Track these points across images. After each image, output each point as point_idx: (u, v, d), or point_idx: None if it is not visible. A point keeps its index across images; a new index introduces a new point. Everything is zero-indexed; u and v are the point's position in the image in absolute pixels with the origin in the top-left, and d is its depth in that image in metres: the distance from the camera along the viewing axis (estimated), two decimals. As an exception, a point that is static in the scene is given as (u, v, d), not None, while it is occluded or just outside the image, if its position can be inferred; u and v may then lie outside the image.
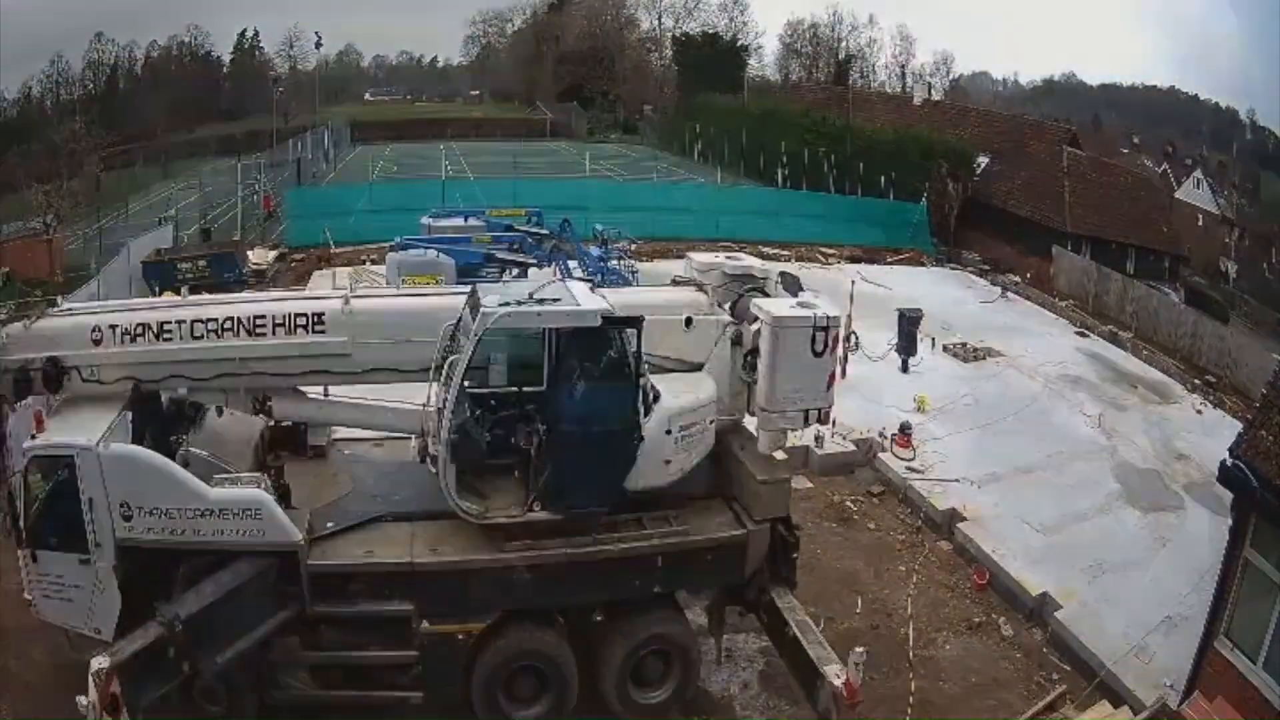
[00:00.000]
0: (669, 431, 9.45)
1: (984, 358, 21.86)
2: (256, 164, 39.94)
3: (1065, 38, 75.18)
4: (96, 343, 9.48)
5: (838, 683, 8.82)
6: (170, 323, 9.55)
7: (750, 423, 10.37)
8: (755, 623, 10.85)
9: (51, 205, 31.87)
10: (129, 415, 9.46)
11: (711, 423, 9.84)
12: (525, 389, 10.22)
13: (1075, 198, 32.45)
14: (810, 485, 15.48)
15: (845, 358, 19.50)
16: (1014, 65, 77.01)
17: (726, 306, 10.59)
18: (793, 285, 11.19)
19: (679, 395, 9.68)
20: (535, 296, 9.34)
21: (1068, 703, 10.91)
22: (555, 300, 9.35)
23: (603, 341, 9.24)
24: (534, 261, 21.06)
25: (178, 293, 20.75)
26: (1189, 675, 10.25)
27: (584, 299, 9.46)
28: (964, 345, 22.38)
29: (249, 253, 27.45)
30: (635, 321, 9.23)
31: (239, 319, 9.54)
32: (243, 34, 76.21)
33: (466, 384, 9.32)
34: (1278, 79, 49.86)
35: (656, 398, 9.57)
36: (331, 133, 52.00)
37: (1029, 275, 31.18)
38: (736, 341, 10.17)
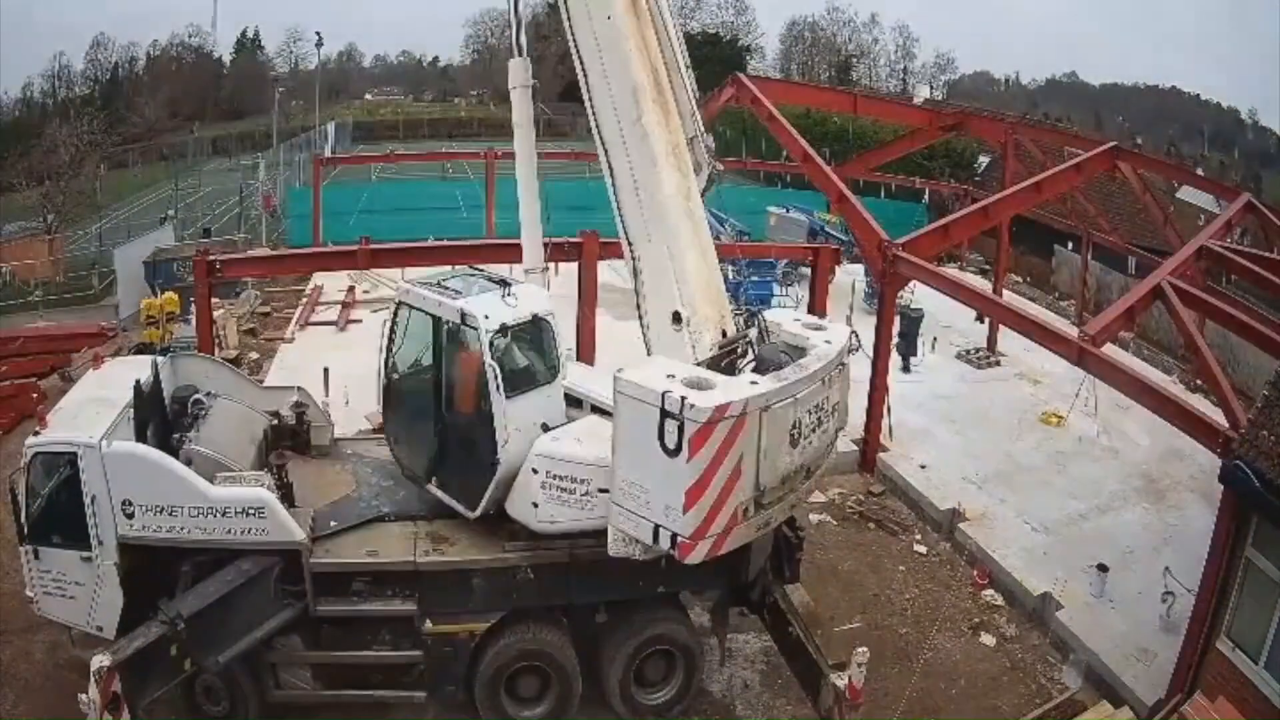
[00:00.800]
0: (535, 470, 9.01)
1: (997, 364, 21.82)
2: (257, 164, 39.90)
3: (1066, 38, 75.12)
4: None
5: (840, 684, 8.83)
6: None
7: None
8: (756, 622, 10.87)
9: (52, 205, 31.86)
10: (132, 413, 9.48)
11: (603, 492, 8.58)
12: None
13: (1076, 197, 32.37)
14: (823, 498, 15.48)
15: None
16: (1015, 65, 76.93)
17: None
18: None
19: (563, 441, 9.15)
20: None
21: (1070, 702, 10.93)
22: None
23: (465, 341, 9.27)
24: None
25: (179, 293, 20.80)
26: (1173, 674, 10.34)
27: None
28: (976, 351, 22.29)
29: (249, 252, 27.44)
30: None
31: None
32: (243, 34, 76.33)
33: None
34: (1278, 79, 49.91)
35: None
36: (332, 132, 51.92)
37: (1027, 277, 31.21)
38: None
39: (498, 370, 8.96)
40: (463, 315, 9.11)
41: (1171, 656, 10.52)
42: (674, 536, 7.84)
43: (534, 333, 9.63)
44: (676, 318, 8.97)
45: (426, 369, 9.86)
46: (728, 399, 7.64)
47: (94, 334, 18.56)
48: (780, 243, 24.50)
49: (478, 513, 9.42)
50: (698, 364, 8.68)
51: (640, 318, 9.43)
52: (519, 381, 9.32)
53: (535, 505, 9.07)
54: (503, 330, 9.17)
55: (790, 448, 8.32)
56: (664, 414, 7.62)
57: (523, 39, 11.16)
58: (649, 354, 9.19)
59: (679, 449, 7.58)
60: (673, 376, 7.95)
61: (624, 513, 8.14)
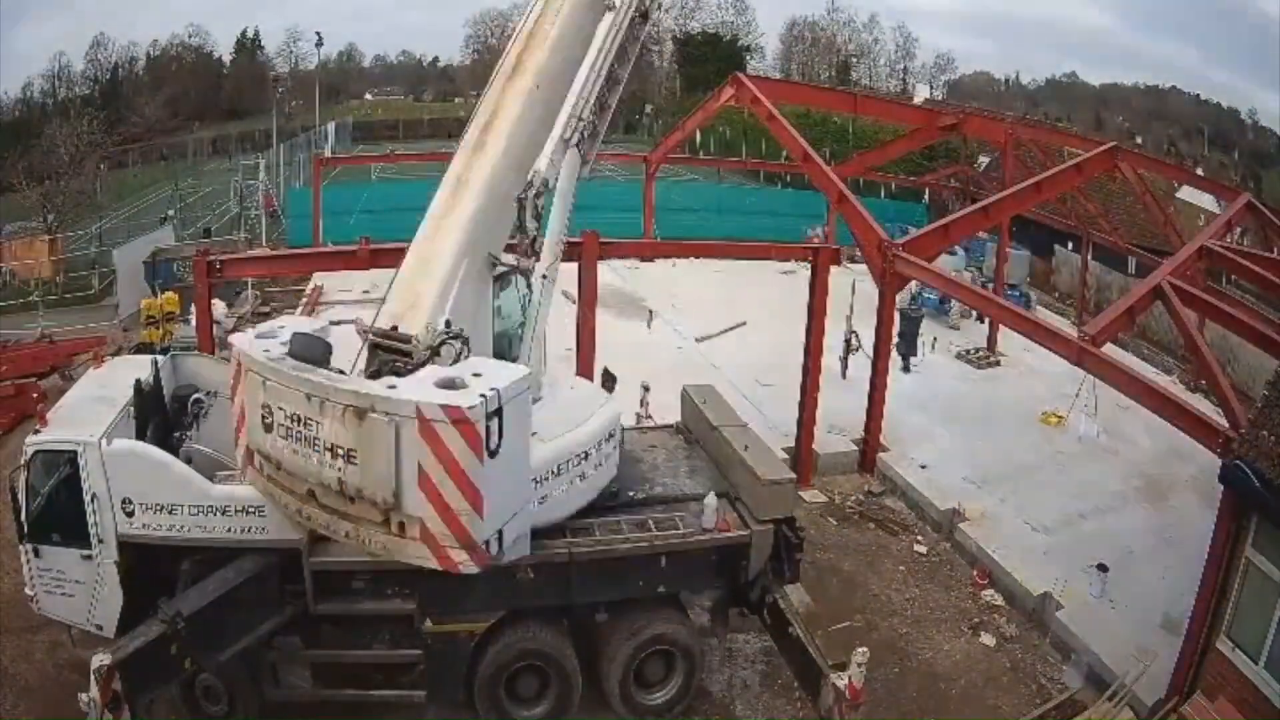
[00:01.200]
0: None
1: (997, 364, 21.86)
2: (257, 163, 39.94)
3: (1067, 37, 75.24)
4: None
5: (840, 684, 8.82)
6: None
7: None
8: (755, 622, 10.85)
9: (52, 205, 31.87)
10: (132, 411, 9.48)
11: None
12: None
13: (1076, 197, 32.40)
14: (824, 499, 15.54)
15: (846, 357, 19.59)
16: (1015, 65, 76.98)
17: None
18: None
19: None
20: None
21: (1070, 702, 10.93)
22: None
23: None
24: None
25: (179, 293, 20.81)
26: (1172, 674, 10.36)
27: None
28: (976, 351, 22.36)
29: (250, 251, 27.45)
30: None
31: None
32: (243, 34, 76.36)
33: None
34: (1278, 79, 49.94)
35: None
36: (333, 132, 51.92)
37: (1028, 277, 31.15)
38: None
39: None
40: None
41: (1171, 656, 10.52)
42: None
43: None
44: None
45: None
46: (230, 337, 9.19)
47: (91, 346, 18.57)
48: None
49: None
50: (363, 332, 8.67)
51: None
52: None
53: None
54: None
55: (263, 429, 8.28)
56: None
57: None
58: None
59: None
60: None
61: None
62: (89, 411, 9.32)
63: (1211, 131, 57.62)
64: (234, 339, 8.90)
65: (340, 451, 7.76)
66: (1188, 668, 10.15)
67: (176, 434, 9.89)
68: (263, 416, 8.23)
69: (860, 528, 14.77)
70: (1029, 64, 74.72)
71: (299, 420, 7.93)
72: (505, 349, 9.88)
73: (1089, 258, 26.92)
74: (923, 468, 16.13)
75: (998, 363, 21.94)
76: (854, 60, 76.16)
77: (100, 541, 8.91)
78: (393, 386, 7.76)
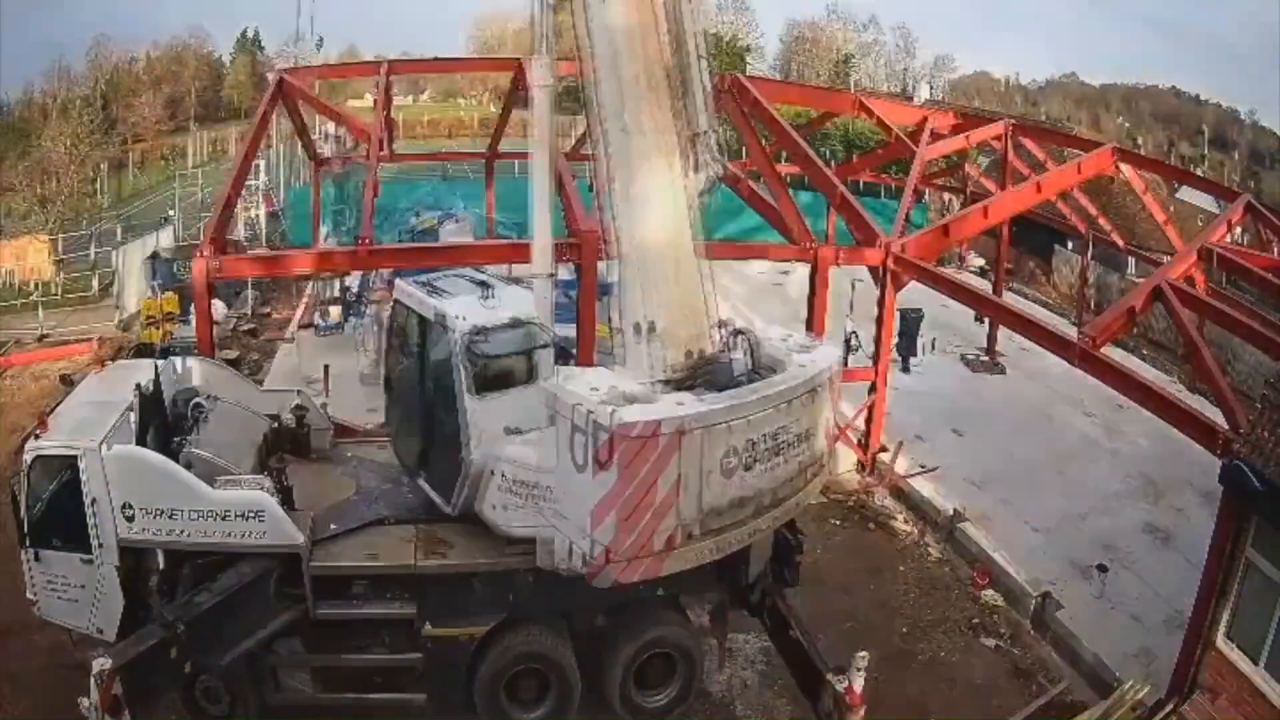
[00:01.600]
0: (492, 473, 9.05)
1: (997, 364, 21.86)
2: (257, 164, 39.86)
3: (1066, 38, 75.38)
4: None
5: (840, 687, 8.82)
6: None
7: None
8: (756, 623, 10.86)
9: (51, 205, 31.87)
10: (132, 416, 9.49)
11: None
12: None
13: (1076, 198, 32.35)
14: (823, 498, 15.48)
15: (846, 357, 19.59)
16: (1015, 65, 76.97)
17: None
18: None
19: (518, 445, 9.03)
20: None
21: (1067, 701, 10.93)
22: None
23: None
24: None
25: (179, 293, 20.79)
26: (1172, 674, 10.33)
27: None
28: (976, 351, 22.36)
29: (250, 251, 27.40)
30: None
31: None
32: (243, 34, 76.33)
33: None
34: (1278, 79, 49.84)
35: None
36: (333, 132, 51.82)
37: (1015, 278, 31.16)
38: None
39: (465, 371, 9.06)
40: (439, 315, 9.29)
41: (1171, 656, 10.52)
42: (584, 556, 7.86)
43: (513, 335, 9.55)
44: (638, 329, 8.39)
45: (414, 365, 10.05)
46: (637, 418, 7.35)
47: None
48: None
49: (453, 511, 9.51)
50: (657, 381, 8.30)
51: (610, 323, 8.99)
52: (492, 383, 9.32)
53: (493, 508, 9.16)
54: (477, 331, 9.15)
55: (723, 476, 7.83)
56: (574, 428, 7.61)
57: (550, 35, 9.60)
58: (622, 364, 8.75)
59: (585, 464, 7.55)
60: (596, 390, 7.79)
61: (550, 525, 8.40)
62: (90, 416, 9.32)
63: (1211, 131, 57.54)
64: (625, 418, 7.38)
65: (803, 434, 8.48)
66: (1188, 668, 10.15)
67: (176, 438, 9.88)
68: (724, 465, 7.84)
69: (860, 528, 14.76)
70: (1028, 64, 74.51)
71: (774, 435, 8.18)
72: None
73: (1089, 258, 26.88)
74: (922, 467, 16.13)
75: (998, 363, 21.94)
76: (854, 60, 76.10)
77: (100, 546, 8.91)
78: (803, 366, 8.64)
